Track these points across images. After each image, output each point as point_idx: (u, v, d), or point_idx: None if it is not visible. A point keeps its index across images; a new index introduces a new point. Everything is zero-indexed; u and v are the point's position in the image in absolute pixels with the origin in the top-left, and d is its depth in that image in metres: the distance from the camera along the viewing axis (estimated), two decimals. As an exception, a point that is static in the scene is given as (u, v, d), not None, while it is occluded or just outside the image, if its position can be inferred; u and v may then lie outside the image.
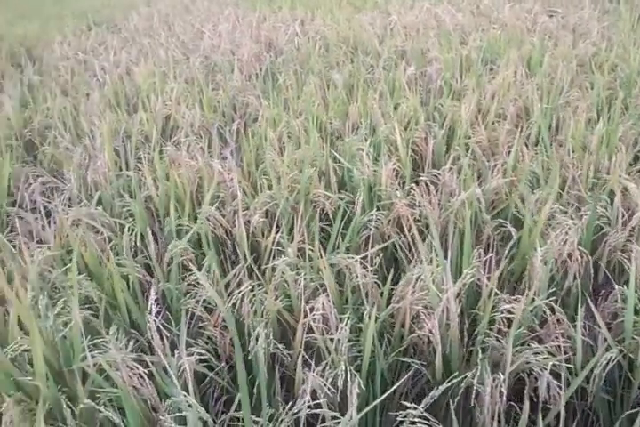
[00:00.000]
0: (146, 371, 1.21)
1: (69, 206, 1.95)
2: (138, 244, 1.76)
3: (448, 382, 1.18)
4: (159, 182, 2.04)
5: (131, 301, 1.47)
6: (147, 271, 1.69)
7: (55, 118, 2.65)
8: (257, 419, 1.14)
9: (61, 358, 1.27)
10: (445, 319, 1.36)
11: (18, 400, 1.16)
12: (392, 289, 1.53)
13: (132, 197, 2.05)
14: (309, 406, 1.14)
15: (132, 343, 1.35)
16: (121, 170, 2.25)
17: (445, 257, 1.52)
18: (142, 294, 1.54)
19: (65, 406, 1.15)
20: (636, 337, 1.32)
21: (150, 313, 1.34)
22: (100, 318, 1.46)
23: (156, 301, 1.37)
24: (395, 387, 1.16)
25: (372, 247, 1.71)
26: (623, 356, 1.35)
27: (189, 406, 1.14)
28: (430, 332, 1.32)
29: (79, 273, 1.57)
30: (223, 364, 1.44)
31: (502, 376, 1.13)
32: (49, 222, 1.83)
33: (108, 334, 1.38)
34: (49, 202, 1.96)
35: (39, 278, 1.50)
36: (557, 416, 1.16)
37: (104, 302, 1.48)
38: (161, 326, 1.34)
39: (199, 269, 1.64)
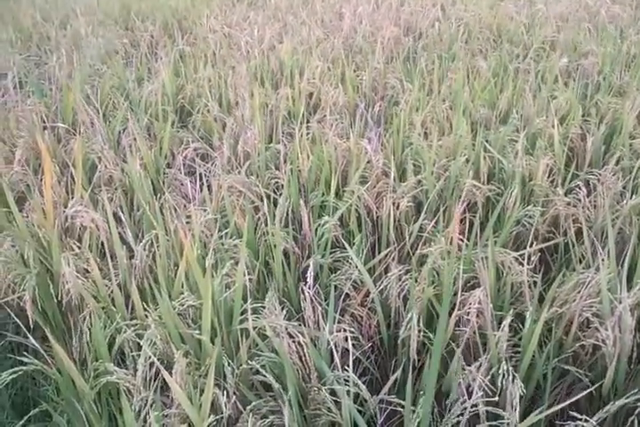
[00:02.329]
0: (304, 341, 1.22)
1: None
2: (289, 215, 1.78)
3: (626, 397, 1.08)
4: (306, 157, 2.05)
5: (286, 270, 1.49)
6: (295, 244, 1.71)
7: (205, 88, 2.75)
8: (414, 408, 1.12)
9: (222, 318, 1.31)
10: (618, 332, 1.26)
11: (185, 353, 1.21)
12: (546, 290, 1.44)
13: (277, 170, 2.08)
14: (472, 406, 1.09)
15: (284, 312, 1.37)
16: (267, 143, 2.29)
17: (617, 264, 1.41)
18: (295, 265, 1.56)
19: (227, 364, 1.19)
20: None
21: (305, 284, 1.36)
22: (253, 284, 1.49)
23: (309, 274, 1.38)
24: (566, 404, 1.08)
25: (527, 244, 1.61)
26: None
27: (346, 381, 1.14)
28: (603, 342, 1.22)
29: (234, 238, 1.62)
30: (369, 344, 1.43)
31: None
32: (201, 186, 1.90)
33: (259, 299, 1.41)
34: (206, 165, 2.03)
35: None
36: None
37: (258, 269, 1.51)
38: (314, 299, 1.35)
39: (344, 247, 1.63)
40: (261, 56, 3.30)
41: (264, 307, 1.32)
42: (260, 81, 2.98)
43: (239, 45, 3.56)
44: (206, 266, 1.35)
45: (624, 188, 1.88)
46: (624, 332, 1.25)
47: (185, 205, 1.80)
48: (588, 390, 1.10)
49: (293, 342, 1.22)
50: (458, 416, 1.09)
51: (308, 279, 1.36)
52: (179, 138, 2.37)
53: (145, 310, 1.33)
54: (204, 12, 4.25)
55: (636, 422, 1.10)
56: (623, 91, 2.86)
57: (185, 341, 1.27)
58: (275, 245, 1.48)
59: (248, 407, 1.13)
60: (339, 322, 1.42)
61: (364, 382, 1.42)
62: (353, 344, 1.43)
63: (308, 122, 2.50)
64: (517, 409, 1.13)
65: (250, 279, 1.48)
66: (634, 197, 1.71)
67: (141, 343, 1.18)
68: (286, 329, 1.21)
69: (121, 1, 4.60)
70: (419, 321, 1.38)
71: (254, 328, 1.26)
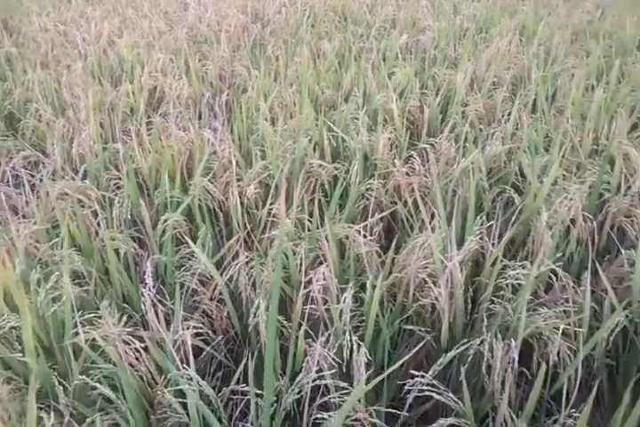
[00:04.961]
0: (142, 346, 1.16)
1: (54, 180, 1.87)
2: (128, 217, 1.69)
3: (456, 349, 1.14)
4: (147, 154, 1.97)
5: (124, 275, 1.41)
6: (138, 245, 1.63)
7: (36, 91, 2.54)
8: (259, 391, 1.10)
9: (52, 334, 1.22)
10: (450, 287, 1.32)
11: (7, 380, 1.11)
12: (393, 258, 1.49)
13: (118, 171, 1.98)
14: (314, 379, 1.10)
15: (125, 318, 1.30)
16: (107, 143, 2.17)
17: (448, 225, 1.48)
18: (135, 267, 1.48)
19: (57, 383, 1.10)
20: (644, 301, 1.29)
21: (145, 286, 1.29)
22: (91, 293, 1.40)
23: (147, 274, 1.32)
24: (405, 359, 1.12)
25: (371, 217, 1.66)
26: (630, 321, 1.33)
27: (189, 379, 1.10)
28: (436, 299, 1.28)
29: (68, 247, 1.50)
30: (220, 337, 1.39)
31: (514, 342, 1.10)
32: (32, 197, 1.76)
33: (99, 309, 1.33)
34: (32, 175, 1.87)
35: (25, 254, 1.44)
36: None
37: (94, 277, 1.42)
38: (155, 300, 1.29)
39: (192, 242, 1.58)
40: (99, 53, 3.11)
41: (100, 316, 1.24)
42: (99, 78, 2.81)
43: (75, 43, 3.33)
44: (30, 281, 1.25)
45: (459, 153, 1.99)
46: (455, 287, 1.32)
47: (12, 219, 1.65)
48: (421, 344, 1.14)
49: (131, 348, 1.16)
50: (298, 393, 1.09)
51: (146, 280, 1.29)
52: (5, 148, 2.17)
53: (-39, 339, 1.20)
54: (34, 10, 3.93)
55: (462, 370, 1.17)
56: (456, 62, 3.04)
57: (11, 365, 1.16)
58: (109, 250, 1.40)
59: (84, 425, 1.05)
60: (188, 320, 1.38)
61: (220, 376, 1.40)
62: (205, 340, 1.39)
63: (151, 117, 2.40)
64: (363, 376, 1.14)
65: (85, 290, 1.39)
66: (463, 160, 1.81)
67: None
68: (120, 336, 1.15)
69: None
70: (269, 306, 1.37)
71: (91, 340, 1.18)
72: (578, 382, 1.11)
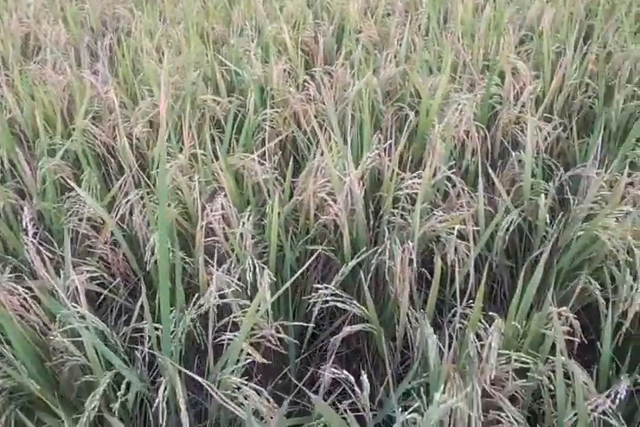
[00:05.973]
0: (31, 295, 1.08)
1: None
2: (6, 168, 1.55)
3: (357, 257, 1.14)
4: (23, 102, 1.80)
5: (4, 227, 1.30)
6: (21, 197, 1.51)
7: None
8: (158, 326, 1.06)
9: None
10: (350, 204, 1.31)
11: None
12: (294, 183, 1.46)
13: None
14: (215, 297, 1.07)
15: (9, 270, 1.20)
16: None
17: (344, 144, 1.46)
18: (15, 218, 1.37)
19: None
20: (533, 198, 1.34)
21: (26, 234, 1.20)
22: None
23: (31, 220, 1.22)
24: (304, 268, 1.10)
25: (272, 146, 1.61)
26: (523, 219, 1.38)
27: (82, 318, 1.04)
28: (336, 215, 1.26)
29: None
30: (117, 280, 1.32)
31: (411, 243, 1.11)
32: None
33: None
34: None
35: None
36: (466, 281, 1.17)
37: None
38: (41, 248, 1.20)
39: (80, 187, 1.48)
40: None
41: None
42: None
43: None
44: None
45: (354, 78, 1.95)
46: (356, 203, 1.31)
47: None
48: (316, 254, 1.13)
49: (18, 298, 1.07)
50: (197, 312, 1.06)
51: (25, 227, 1.20)
52: None
53: None
54: None
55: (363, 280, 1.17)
56: (351, -8, 2.96)
57: None
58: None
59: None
60: (81, 266, 1.30)
61: (123, 321, 1.34)
62: (104, 284, 1.33)
63: (26, 66, 2.19)
64: (268, 294, 1.12)
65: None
66: (357, 82, 1.78)
67: None
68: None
69: None
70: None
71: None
72: (475, 279, 1.14)
